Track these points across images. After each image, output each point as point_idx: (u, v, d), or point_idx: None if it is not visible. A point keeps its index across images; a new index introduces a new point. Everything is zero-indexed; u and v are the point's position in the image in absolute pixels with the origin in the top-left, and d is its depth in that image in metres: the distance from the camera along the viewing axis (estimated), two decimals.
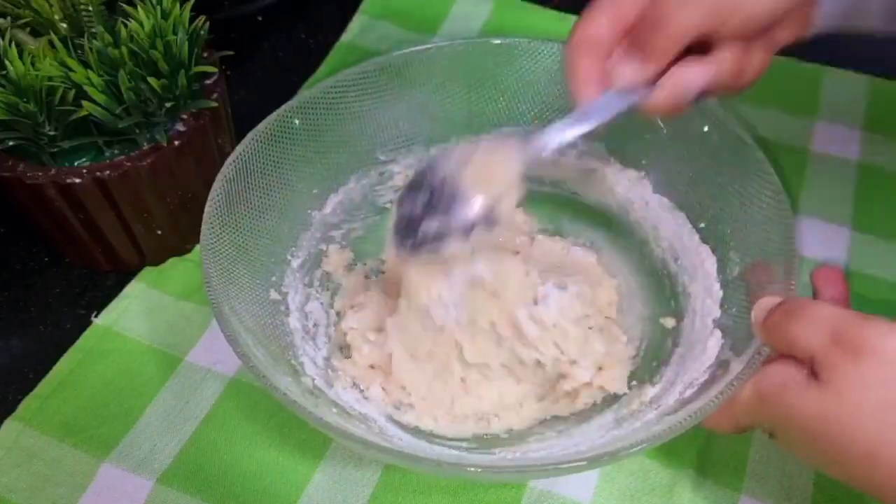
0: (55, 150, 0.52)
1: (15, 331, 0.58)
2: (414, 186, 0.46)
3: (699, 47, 0.43)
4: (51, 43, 0.52)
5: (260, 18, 0.82)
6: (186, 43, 0.52)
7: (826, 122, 0.70)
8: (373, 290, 0.54)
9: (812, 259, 0.59)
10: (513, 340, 0.49)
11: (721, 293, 0.50)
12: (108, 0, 0.54)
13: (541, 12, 0.81)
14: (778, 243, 0.47)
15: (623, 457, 0.40)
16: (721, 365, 0.45)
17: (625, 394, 0.50)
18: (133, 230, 0.57)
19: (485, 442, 0.50)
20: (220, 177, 0.49)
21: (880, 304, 0.58)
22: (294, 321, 0.52)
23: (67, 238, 0.58)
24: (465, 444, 0.49)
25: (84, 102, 0.50)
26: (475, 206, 0.44)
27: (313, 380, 0.48)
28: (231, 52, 0.58)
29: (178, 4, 0.52)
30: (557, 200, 0.61)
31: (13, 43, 0.50)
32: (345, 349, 0.53)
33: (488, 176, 0.45)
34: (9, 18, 0.52)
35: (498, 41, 0.58)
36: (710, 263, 0.51)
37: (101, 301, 0.58)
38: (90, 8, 0.52)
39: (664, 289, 0.54)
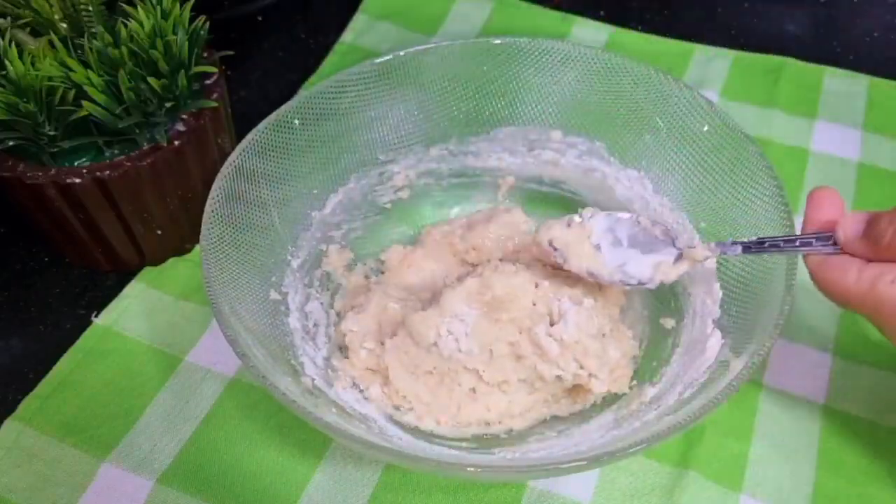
0: (55, 150, 0.52)
1: (15, 331, 0.58)
2: None
3: None
4: (51, 43, 0.52)
5: (260, 18, 0.82)
6: (186, 43, 0.52)
7: (826, 122, 0.71)
8: (373, 291, 0.54)
9: None
10: (534, 358, 0.49)
11: (721, 293, 0.50)
12: (108, 0, 0.54)
13: (541, 12, 0.81)
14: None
15: (623, 457, 0.40)
16: (721, 365, 0.45)
17: (625, 394, 0.50)
18: (133, 230, 0.57)
19: (485, 442, 0.50)
20: (220, 176, 0.49)
21: None
22: (294, 321, 0.52)
23: (67, 238, 0.58)
24: (464, 444, 0.49)
25: (84, 102, 0.50)
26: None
27: (313, 380, 0.48)
28: (231, 52, 0.58)
29: (178, 4, 0.52)
30: (557, 200, 0.61)
31: (13, 43, 0.50)
32: (344, 350, 0.53)
33: None
34: (9, 18, 0.52)
35: (498, 41, 0.58)
36: (710, 263, 0.51)
37: (101, 301, 0.58)
38: (90, 8, 0.52)
39: (664, 289, 0.54)
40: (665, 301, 0.54)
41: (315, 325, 0.53)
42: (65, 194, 0.53)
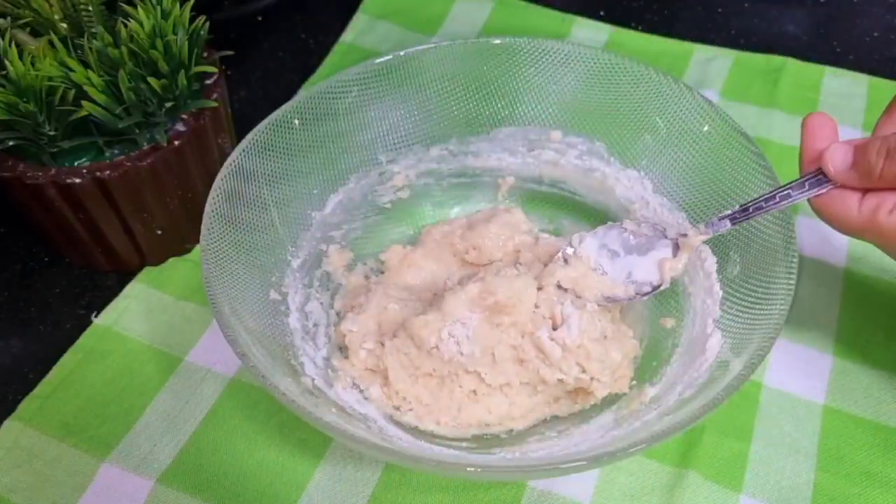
0: (55, 150, 0.52)
1: (15, 331, 0.58)
2: None
3: None
4: (51, 43, 0.52)
5: (260, 18, 0.82)
6: (186, 43, 0.52)
7: None
8: (373, 291, 0.54)
9: (812, 259, 0.60)
10: (536, 362, 0.49)
11: (721, 293, 0.50)
12: (108, 0, 0.54)
13: (541, 12, 0.81)
14: (778, 243, 0.47)
15: (623, 457, 0.40)
16: (721, 365, 0.45)
17: (625, 394, 0.50)
18: (133, 230, 0.57)
19: (485, 442, 0.50)
20: (220, 176, 0.49)
21: (880, 303, 0.58)
22: (294, 321, 0.52)
23: (67, 238, 0.58)
24: (464, 444, 0.49)
25: (84, 102, 0.50)
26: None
27: (313, 380, 0.48)
28: (231, 52, 0.58)
29: (178, 4, 0.52)
30: (557, 200, 0.61)
31: (13, 43, 0.50)
32: (344, 350, 0.53)
33: None
34: (9, 18, 0.52)
35: (498, 41, 0.58)
36: (710, 263, 0.51)
37: (101, 301, 0.58)
38: (90, 8, 0.52)
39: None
40: (665, 301, 0.54)
41: (315, 325, 0.53)
42: (65, 194, 0.53)
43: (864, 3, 0.83)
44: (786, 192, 0.44)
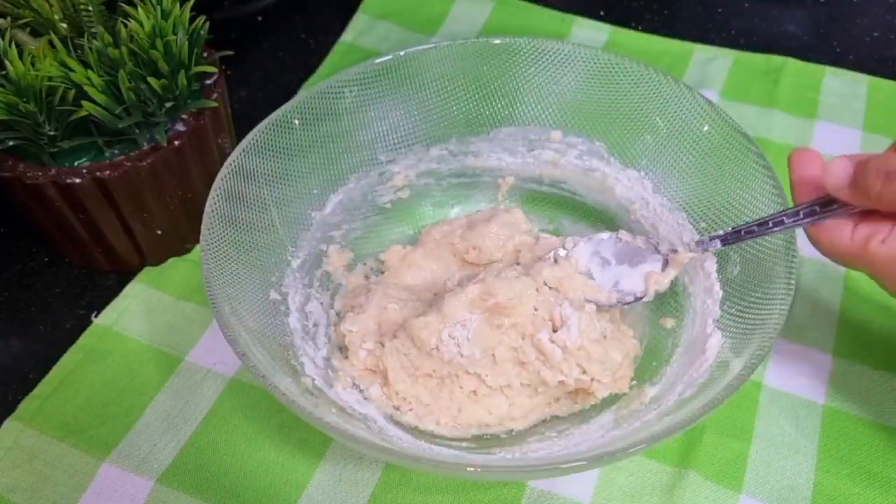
0: (55, 150, 0.52)
1: (15, 331, 0.58)
2: None
3: None
4: (51, 43, 0.52)
5: (260, 18, 0.82)
6: (186, 43, 0.52)
7: (826, 123, 0.71)
8: (373, 291, 0.54)
9: (812, 259, 0.60)
10: (537, 364, 0.49)
11: (721, 293, 0.50)
12: (108, 0, 0.54)
13: (541, 12, 0.81)
14: (778, 243, 0.47)
15: (623, 457, 0.40)
16: (721, 365, 0.45)
17: (625, 394, 0.50)
18: (133, 230, 0.57)
19: (485, 442, 0.50)
20: (220, 176, 0.49)
21: (880, 303, 0.58)
22: (294, 321, 0.52)
23: (67, 238, 0.58)
24: (464, 444, 0.49)
25: (84, 102, 0.50)
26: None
27: (313, 380, 0.48)
28: (231, 52, 0.58)
29: (178, 4, 0.52)
30: (557, 200, 0.61)
31: (13, 43, 0.50)
32: (344, 350, 0.53)
33: None
34: (9, 18, 0.52)
35: (498, 41, 0.58)
36: (710, 263, 0.51)
37: (101, 301, 0.58)
38: (90, 8, 0.52)
39: None
40: (665, 301, 0.54)
41: (315, 325, 0.53)
42: (65, 194, 0.53)
43: (864, 3, 0.83)
44: (779, 219, 0.45)
